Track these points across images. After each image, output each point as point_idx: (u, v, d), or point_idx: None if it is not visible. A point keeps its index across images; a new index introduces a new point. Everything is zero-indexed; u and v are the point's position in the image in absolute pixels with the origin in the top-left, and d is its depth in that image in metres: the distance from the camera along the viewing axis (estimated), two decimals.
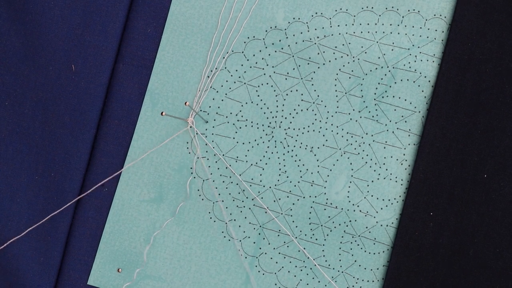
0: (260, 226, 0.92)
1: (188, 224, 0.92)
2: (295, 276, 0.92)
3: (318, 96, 0.92)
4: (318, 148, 0.92)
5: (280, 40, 0.92)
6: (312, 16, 0.92)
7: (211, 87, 0.92)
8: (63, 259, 0.93)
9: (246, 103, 0.92)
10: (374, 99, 0.91)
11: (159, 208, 0.92)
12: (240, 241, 0.92)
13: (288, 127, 0.92)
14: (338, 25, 0.91)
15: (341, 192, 0.91)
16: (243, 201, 0.92)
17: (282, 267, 0.92)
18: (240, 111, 0.92)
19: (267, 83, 0.92)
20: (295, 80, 0.92)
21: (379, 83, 0.91)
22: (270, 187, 0.92)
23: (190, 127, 0.92)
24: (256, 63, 0.92)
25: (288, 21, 0.92)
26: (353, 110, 0.91)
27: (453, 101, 0.89)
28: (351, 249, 0.91)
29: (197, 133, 0.92)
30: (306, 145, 0.92)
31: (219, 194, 0.92)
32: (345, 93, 0.91)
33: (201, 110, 0.92)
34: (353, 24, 0.91)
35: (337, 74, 0.91)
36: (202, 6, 0.92)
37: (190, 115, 0.92)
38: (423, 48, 0.91)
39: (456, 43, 0.90)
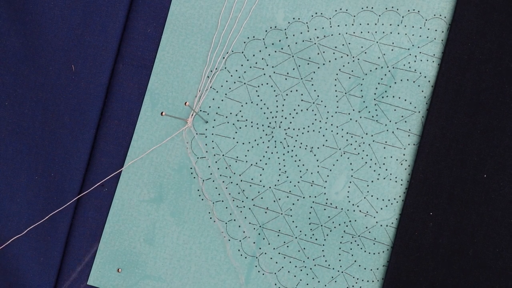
0: (260, 226, 0.92)
1: (188, 224, 0.92)
2: (295, 276, 0.92)
3: (318, 96, 0.92)
4: (318, 148, 0.92)
5: (280, 40, 0.92)
6: (312, 16, 0.92)
7: (211, 87, 0.92)
8: (63, 259, 0.93)
9: (246, 103, 0.92)
10: (374, 99, 0.91)
11: (159, 208, 0.92)
12: (240, 241, 0.92)
13: (288, 127, 0.92)
14: (338, 25, 0.91)
15: (341, 192, 0.91)
16: (243, 201, 0.92)
17: (282, 267, 0.92)
18: (240, 111, 0.92)
19: (267, 83, 0.92)
20: (295, 80, 0.92)
21: (379, 83, 0.91)
22: (270, 187, 0.92)
23: (189, 127, 0.92)
24: (256, 63, 0.92)
25: (288, 21, 0.92)
26: (353, 110, 0.91)
27: (453, 101, 0.89)
28: (351, 249, 0.91)
29: (197, 134, 0.92)
30: (306, 145, 0.92)
31: (219, 194, 0.92)
32: (345, 93, 0.91)
33: (201, 110, 0.92)
34: (353, 24, 0.91)
35: (337, 74, 0.91)
36: (202, 6, 0.92)
37: (190, 115, 0.92)
38: (423, 48, 0.91)
39: (456, 43, 0.90)
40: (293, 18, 0.92)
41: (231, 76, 0.92)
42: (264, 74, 0.92)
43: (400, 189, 0.91)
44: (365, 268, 0.91)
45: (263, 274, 0.92)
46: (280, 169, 0.92)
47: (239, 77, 0.92)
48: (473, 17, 0.90)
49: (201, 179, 0.92)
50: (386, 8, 0.91)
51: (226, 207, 0.92)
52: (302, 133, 0.92)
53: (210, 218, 0.92)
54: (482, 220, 0.89)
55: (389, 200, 0.91)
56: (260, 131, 0.92)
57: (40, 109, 0.93)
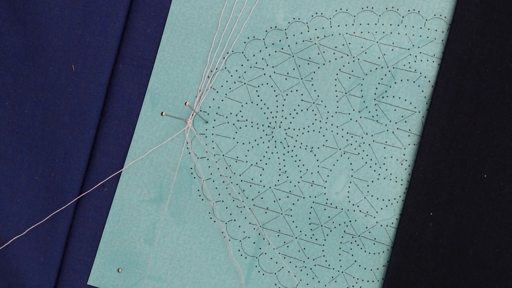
0: (260, 226, 0.92)
1: (188, 224, 0.92)
2: (295, 276, 0.92)
3: (318, 96, 0.92)
4: (318, 148, 0.92)
5: (280, 40, 0.92)
6: (312, 16, 0.92)
7: (211, 87, 0.92)
8: (63, 259, 0.93)
9: (246, 103, 0.92)
10: (374, 99, 0.91)
11: (159, 208, 0.92)
12: (240, 241, 0.92)
13: (288, 127, 0.92)
14: (338, 25, 0.91)
15: (341, 192, 0.91)
16: (243, 201, 0.92)
17: (282, 267, 0.92)
18: (240, 111, 0.92)
19: (267, 83, 0.92)
20: (295, 80, 0.92)
21: (379, 83, 0.91)
22: (270, 187, 0.92)
23: (189, 127, 0.92)
24: (256, 63, 0.92)
25: (288, 21, 0.92)
26: (353, 110, 0.91)
27: (453, 101, 0.90)
28: (351, 249, 0.91)
29: (197, 134, 0.92)
30: (306, 145, 0.92)
31: (219, 194, 0.92)
32: (345, 93, 0.91)
33: (201, 110, 0.92)
34: (353, 24, 0.91)
35: (337, 74, 0.91)
36: (202, 6, 0.92)
37: (190, 115, 0.92)
38: (423, 48, 0.91)
39: (456, 43, 0.90)
40: (293, 18, 0.92)
41: (231, 76, 0.92)
42: (264, 74, 0.92)
43: (400, 189, 0.91)
44: (365, 268, 0.91)
45: (263, 274, 0.92)
46: (280, 169, 0.92)
47: (239, 77, 0.92)
48: (473, 17, 0.90)
49: (201, 179, 0.92)
50: (386, 8, 0.91)
51: (226, 207, 0.92)
52: (302, 133, 0.92)
53: (210, 218, 0.92)
54: (482, 220, 0.89)
55: (389, 200, 0.91)
56: (260, 131, 0.92)
57: (40, 109, 0.92)
